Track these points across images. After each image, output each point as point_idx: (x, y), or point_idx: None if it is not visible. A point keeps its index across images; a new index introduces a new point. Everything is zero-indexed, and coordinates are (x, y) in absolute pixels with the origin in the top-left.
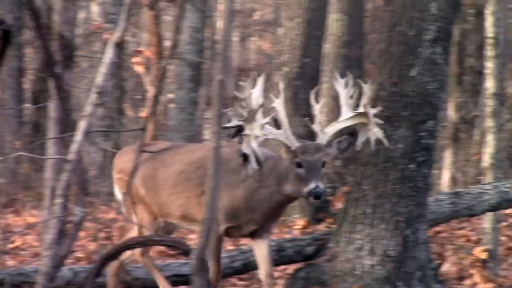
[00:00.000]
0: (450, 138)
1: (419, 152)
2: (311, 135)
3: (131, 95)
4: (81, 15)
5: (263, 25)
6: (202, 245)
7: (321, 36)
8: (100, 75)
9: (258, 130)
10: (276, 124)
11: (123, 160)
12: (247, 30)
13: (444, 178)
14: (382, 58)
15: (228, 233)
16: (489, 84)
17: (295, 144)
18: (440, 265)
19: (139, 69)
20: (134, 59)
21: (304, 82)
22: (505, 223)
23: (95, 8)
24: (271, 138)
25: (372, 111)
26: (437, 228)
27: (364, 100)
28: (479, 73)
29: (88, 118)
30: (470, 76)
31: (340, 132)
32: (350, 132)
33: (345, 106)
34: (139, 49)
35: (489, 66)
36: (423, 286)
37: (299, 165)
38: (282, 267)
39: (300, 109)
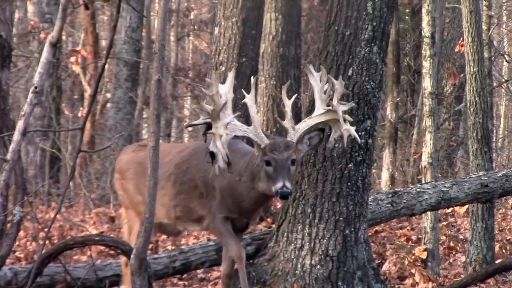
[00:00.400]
0: (389, 137)
1: (358, 151)
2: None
3: (69, 94)
4: (17, 14)
5: (200, 25)
6: (141, 245)
7: (258, 36)
8: (37, 74)
9: (222, 129)
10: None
11: (121, 160)
12: (183, 30)
13: (383, 177)
14: (319, 57)
15: (233, 224)
16: (427, 84)
17: (264, 141)
18: (380, 264)
19: (76, 68)
20: (71, 59)
21: (241, 81)
22: (444, 223)
23: (31, 8)
24: (240, 135)
25: (343, 107)
26: (377, 228)
27: (336, 96)
28: (417, 73)
29: (26, 118)
30: (408, 76)
31: (313, 128)
32: (320, 128)
33: (319, 101)
34: (76, 48)
35: (426, 65)
36: (363, 286)
37: (268, 163)
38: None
39: (238, 108)
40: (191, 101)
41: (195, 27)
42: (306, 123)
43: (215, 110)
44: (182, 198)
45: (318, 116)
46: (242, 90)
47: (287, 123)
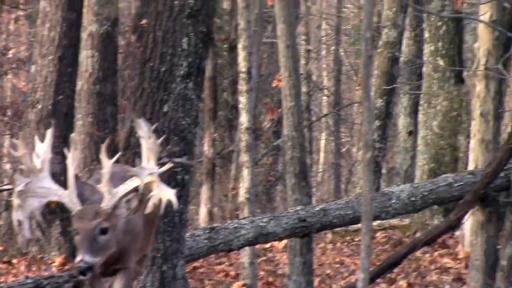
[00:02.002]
0: (207, 173)
1: (175, 187)
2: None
3: None
4: None
5: (18, 63)
6: None
7: (74, 73)
8: None
9: (15, 198)
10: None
11: None
12: (1, 68)
13: (202, 213)
14: (135, 94)
15: None
16: (243, 119)
17: (75, 208)
18: None
19: None
20: None
21: (58, 119)
22: (264, 258)
23: None
24: (54, 201)
25: (159, 169)
26: (196, 264)
27: (151, 156)
28: (234, 108)
29: None
30: (225, 111)
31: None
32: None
33: (146, 160)
34: None
35: (243, 100)
36: None
37: (76, 233)
38: None
39: (55, 146)
40: (9, 139)
41: (13, 65)
42: (126, 186)
43: (12, 177)
44: None
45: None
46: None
47: (103, 186)
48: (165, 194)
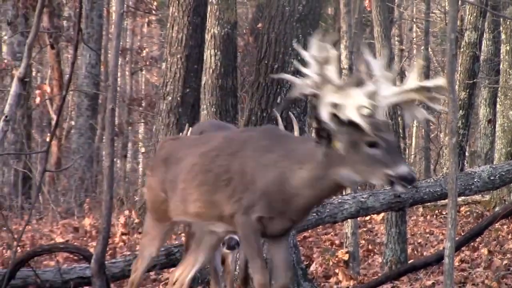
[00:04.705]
0: None
1: None
2: None
3: (38, 122)
4: None
5: (151, 61)
6: (100, 251)
7: (200, 69)
8: (7, 106)
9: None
10: None
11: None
12: (137, 65)
13: None
14: (252, 87)
15: (271, 227)
16: None
17: (381, 119)
18: (308, 265)
19: (38, 100)
20: (37, 92)
21: (185, 109)
22: (364, 229)
23: (4, 48)
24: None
25: (436, 82)
26: (305, 234)
27: (416, 73)
28: None
29: None
30: None
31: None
32: None
33: (383, 79)
34: (40, 84)
35: None
36: (293, 284)
37: (372, 145)
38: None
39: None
40: (144, 127)
41: (147, 62)
42: (395, 98)
43: (356, 78)
44: (205, 191)
45: (407, 92)
46: None
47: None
48: (422, 113)
